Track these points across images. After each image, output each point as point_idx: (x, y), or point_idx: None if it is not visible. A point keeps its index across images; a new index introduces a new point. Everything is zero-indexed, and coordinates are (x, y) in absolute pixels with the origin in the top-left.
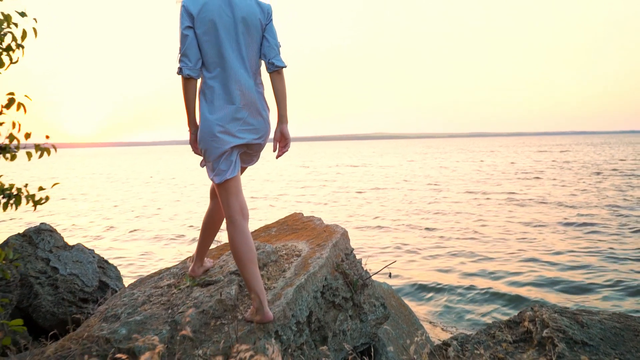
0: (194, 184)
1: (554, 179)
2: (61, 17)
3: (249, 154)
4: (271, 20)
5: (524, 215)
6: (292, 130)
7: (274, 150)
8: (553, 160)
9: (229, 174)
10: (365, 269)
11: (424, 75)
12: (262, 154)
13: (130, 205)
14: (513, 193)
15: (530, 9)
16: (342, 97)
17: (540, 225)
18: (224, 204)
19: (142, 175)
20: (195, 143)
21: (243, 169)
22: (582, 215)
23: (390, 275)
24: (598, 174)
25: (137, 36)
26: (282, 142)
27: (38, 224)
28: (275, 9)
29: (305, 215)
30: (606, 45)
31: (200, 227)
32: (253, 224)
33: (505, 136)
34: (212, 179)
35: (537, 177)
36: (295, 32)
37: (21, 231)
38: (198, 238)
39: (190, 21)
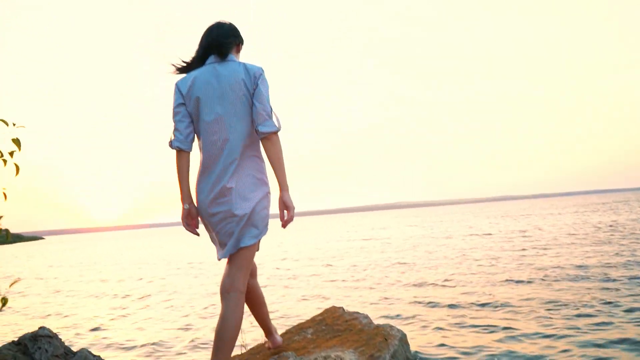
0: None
1: None
2: (74, 114)
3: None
4: (258, 84)
5: None
6: (312, 204)
7: (281, 220)
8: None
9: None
10: None
11: (441, 142)
12: (274, 228)
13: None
14: None
15: (552, 69)
16: (359, 168)
17: None
18: (245, 276)
19: (166, 258)
20: (187, 218)
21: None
22: None
23: None
24: None
25: (150, 123)
26: (286, 210)
27: (37, 327)
28: (296, 83)
29: (346, 310)
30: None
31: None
32: (280, 321)
33: (529, 198)
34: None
35: None
36: (317, 107)
37: (17, 336)
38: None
39: (182, 99)
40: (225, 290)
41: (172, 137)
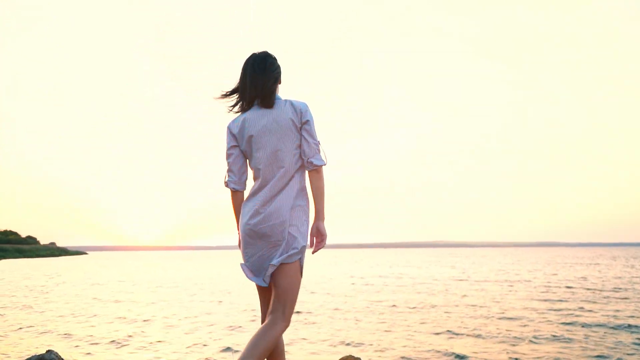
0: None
1: None
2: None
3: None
4: (308, 119)
5: None
6: (351, 237)
7: (310, 246)
8: None
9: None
10: None
11: (486, 178)
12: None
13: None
14: None
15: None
16: (399, 201)
17: None
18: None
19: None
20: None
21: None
22: None
23: None
24: None
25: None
26: (318, 237)
27: (45, 351)
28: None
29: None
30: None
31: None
32: None
33: (574, 246)
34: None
35: None
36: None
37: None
38: None
39: (234, 140)
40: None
41: (227, 177)
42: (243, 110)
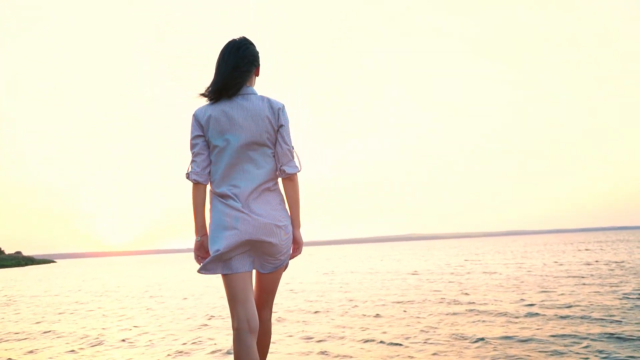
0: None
1: None
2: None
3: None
4: (283, 124)
5: None
6: (326, 234)
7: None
8: None
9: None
10: None
11: (452, 173)
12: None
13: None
14: None
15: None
16: (371, 198)
17: None
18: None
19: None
20: (199, 250)
21: (261, 276)
22: None
23: None
24: None
25: (165, 150)
26: (295, 245)
27: None
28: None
29: None
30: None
31: None
32: None
33: (543, 233)
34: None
35: None
36: (326, 141)
37: None
38: None
39: (200, 130)
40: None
41: (190, 169)
42: (213, 99)
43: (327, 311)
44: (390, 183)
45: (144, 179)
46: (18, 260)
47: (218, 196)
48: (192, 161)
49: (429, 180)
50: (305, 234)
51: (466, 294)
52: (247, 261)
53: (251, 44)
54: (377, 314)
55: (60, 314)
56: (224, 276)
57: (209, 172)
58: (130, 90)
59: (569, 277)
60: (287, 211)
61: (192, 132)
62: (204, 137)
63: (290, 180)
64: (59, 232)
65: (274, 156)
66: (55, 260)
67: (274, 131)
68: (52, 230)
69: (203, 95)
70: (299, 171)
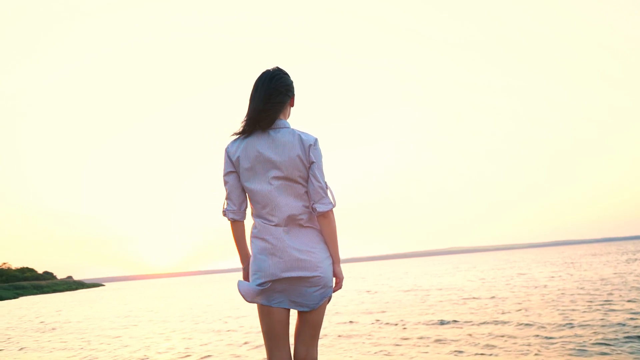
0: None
1: None
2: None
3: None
4: (314, 159)
5: None
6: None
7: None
8: None
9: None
10: None
11: (492, 184)
12: None
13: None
14: None
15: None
16: (411, 213)
17: None
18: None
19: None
20: (247, 278)
21: (301, 316)
22: None
23: None
24: None
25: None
26: (336, 280)
27: None
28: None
29: None
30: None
31: None
32: None
33: (592, 242)
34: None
35: None
36: (362, 151)
37: None
38: None
39: (231, 166)
40: None
41: (225, 206)
42: (246, 132)
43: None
44: (412, 197)
45: (185, 200)
46: (69, 284)
47: (254, 230)
48: (227, 199)
49: (458, 193)
50: (345, 250)
51: None
52: (285, 298)
53: (285, 73)
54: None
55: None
56: (262, 307)
57: (245, 208)
58: (170, 112)
59: None
60: (324, 245)
61: (224, 169)
62: (236, 173)
63: (325, 217)
64: (105, 257)
65: (307, 193)
66: (103, 283)
67: (305, 168)
68: (99, 255)
69: (236, 133)
70: (332, 207)
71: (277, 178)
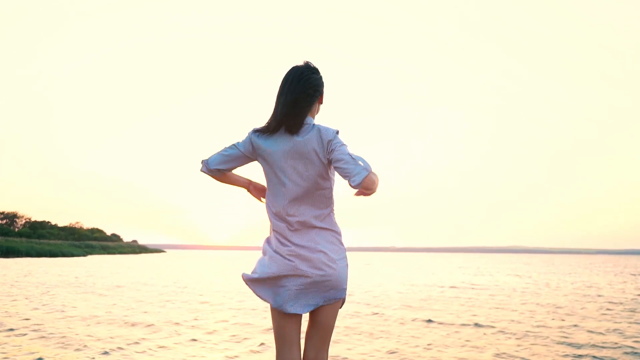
0: None
1: None
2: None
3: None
4: (334, 148)
5: None
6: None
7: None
8: None
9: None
10: None
11: (566, 183)
12: None
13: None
14: None
15: None
16: (474, 207)
17: None
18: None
19: None
20: (255, 192)
21: (313, 318)
22: None
23: None
24: None
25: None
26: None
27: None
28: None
29: None
30: None
31: None
32: None
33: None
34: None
35: None
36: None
37: None
38: None
39: (245, 148)
40: None
41: (204, 161)
42: (270, 131)
43: None
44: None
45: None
46: (134, 248)
47: (273, 227)
48: (219, 153)
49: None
50: (393, 238)
51: None
52: (301, 301)
53: (313, 71)
54: None
55: (166, 301)
56: (274, 309)
57: (223, 171)
58: (228, 90)
59: None
60: (337, 247)
61: (238, 143)
62: (245, 155)
63: (366, 189)
64: (168, 225)
65: (328, 196)
66: (165, 250)
67: (322, 164)
68: (162, 223)
69: (259, 130)
70: (367, 173)
71: (296, 184)
